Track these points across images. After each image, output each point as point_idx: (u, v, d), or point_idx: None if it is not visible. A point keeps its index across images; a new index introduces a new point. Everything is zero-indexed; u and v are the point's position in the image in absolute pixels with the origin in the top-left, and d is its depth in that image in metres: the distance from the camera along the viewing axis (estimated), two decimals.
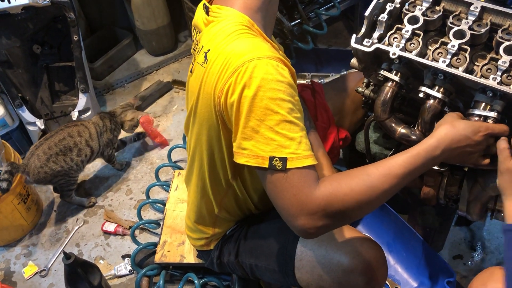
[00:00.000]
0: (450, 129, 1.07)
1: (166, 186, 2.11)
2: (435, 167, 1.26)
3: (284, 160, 0.96)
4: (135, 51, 2.98)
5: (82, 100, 2.31)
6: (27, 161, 1.96)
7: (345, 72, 2.56)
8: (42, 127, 2.27)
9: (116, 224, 2.05)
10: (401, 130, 1.26)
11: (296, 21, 2.39)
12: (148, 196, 2.07)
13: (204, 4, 1.16)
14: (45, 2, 2.04)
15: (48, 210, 2.18)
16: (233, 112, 1.00)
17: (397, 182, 1.01)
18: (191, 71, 1.19)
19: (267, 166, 0.97)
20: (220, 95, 1.02)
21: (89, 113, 2.34)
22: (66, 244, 2.03)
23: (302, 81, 2.53)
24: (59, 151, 1.99)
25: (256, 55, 0.98)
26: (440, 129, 1.08)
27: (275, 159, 0.96)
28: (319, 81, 2.57)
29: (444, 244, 1.78)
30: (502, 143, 1.08)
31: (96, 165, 2.36)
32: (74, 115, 2.30)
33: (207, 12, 1.14)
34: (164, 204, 1.95)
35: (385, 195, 1.01)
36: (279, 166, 0.96)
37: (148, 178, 2.27)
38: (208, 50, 1.07)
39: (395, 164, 1.01)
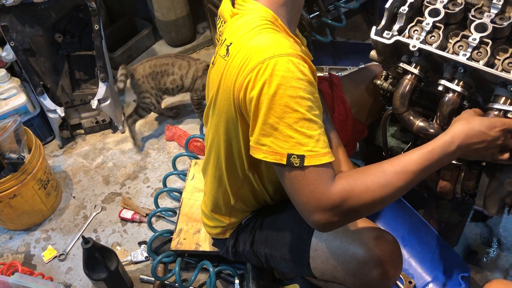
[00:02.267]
0: (465, 125, 1.07)
1: (182, 175, 2.14)
2: (452, 161, 1.25)
3: (302, 157, 0.97)
4: (154, 42, 3.01)
5: (101, 89, 2.34)
6: (136, 67, 2.30)
7: (363, 66, 2.54)
8: (62, 114, 2.31)
9: (133, 212, 2.08)
10: (419, 123, 1.25)
11: (315, 14, 2.38)
12: (165, 185, 2.10)
13: None
14: None
15: (67, 196, 2.23)
16: (251, 107, 1.01)
17: (412, 179, 1.01)
18: (213, 63, 1.20)
19: (285, 163, 0.98)
20: (239, 90, 1.02)
21: (108, 102, 2.37)
22: (84, 230, 2.07)
23: (319, 74, 2.53)
24: (159, 72, 2.28)
25: (277, 52, 0.98)
26: (455, 125, 1.08)
27: (293, 156, 0.97)
28: (337, 74, 2.56)
29: (459, 240, 1.78)
30: None
31: (114, 154, 2.40)
32: (94, 103, 2.33)
33: (233, 4, 1.15)
34: (180, 193, 1.98)
35: (400, 192, 1.02)
36: (296, 164, 0.97)
37: (165, 167, 2.30)
38: (230, 44, 1.08)
39: (410, 161, 1.02)
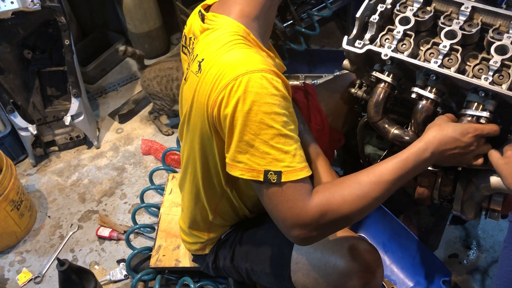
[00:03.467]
0: (438, 131, 1.08)
1: (160, 190, 2.10)
2: (429, 168, 1.26)
3: (279, 173, 0.96)
4: None
5: (74, 105, 2.30)
6: (145, 69, 2.32)
7: (338, 73, 2.56)
8: (35, 132, 2.25)
9: (111, 229, 2.04)
10: (394, 131, 1.26)
11: (289, 22, 2.39)
12: (142, 200, 2.06)
13: (200, 11, 1.15)
14: (35, 7, 2.03)
15: (42, 216, 2.17)
16: (226, 124, 0.99)
17: (388, 188, 1.02)
18: (185, 79, 1.18)
19: (262, 179, 0.97)
20: (213, 106, 1.01)
21: (81, 117, 2.32)
22: (60, 250, 2.01)
23: (295, 82, 2.54)
24: (164, 76, 2.25)
25: (250, 68, 0.97)
26: (428, 132, 1.09)
27: (270, 173, 0.97)
28: (312, 82, 2.57)
29: (439, 244, 1.79)
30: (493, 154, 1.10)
31: (90, 170, 2.35)
32: (67, 119, 2.28)
33: (203, 20, 1.13)
34: (158, 208, 1.94)
35: (378, 201, 1.03)
36: (274, 180, 0.97)
37: (142, 182, 2.26)
38: (202, 60, 1.06)
39: (385, 170, 1.02)
